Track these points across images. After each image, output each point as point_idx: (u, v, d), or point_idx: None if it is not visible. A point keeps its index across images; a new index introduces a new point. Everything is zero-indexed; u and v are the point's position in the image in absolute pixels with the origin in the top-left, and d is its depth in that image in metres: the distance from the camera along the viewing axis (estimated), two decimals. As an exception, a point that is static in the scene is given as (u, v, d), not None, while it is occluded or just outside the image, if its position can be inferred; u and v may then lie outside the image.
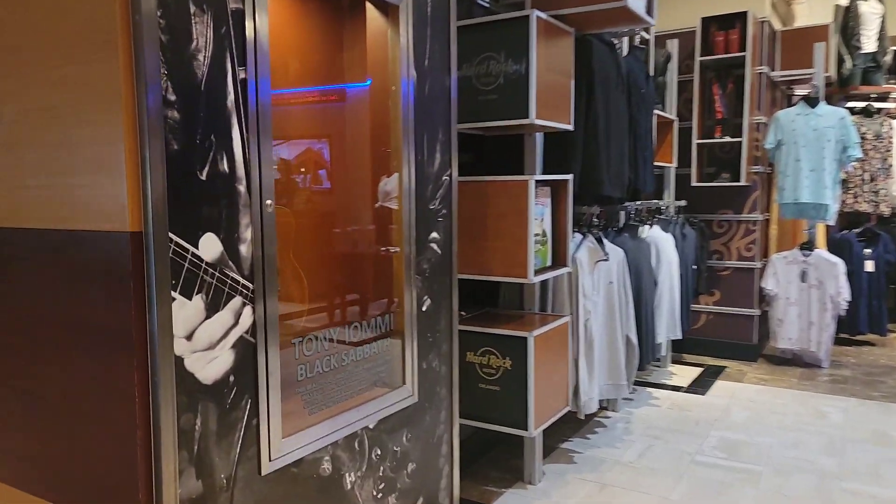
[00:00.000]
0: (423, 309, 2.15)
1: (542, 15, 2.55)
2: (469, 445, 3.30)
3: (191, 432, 1.40)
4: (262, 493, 1.58)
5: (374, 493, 1.96)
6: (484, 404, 2.72)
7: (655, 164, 4.20)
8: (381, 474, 1.98)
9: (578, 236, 3.24)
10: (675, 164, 4.65)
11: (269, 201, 1.56)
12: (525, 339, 2.60)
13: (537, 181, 2.60)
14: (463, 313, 3.02)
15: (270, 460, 1.59)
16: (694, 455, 3.35)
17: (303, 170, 2.12)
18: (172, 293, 1.34)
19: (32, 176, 1.47)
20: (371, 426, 1.94)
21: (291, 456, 1.65)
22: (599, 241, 3.31)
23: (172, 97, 1.33)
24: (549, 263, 2.86)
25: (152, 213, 1.30)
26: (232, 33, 1.45)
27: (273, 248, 1.57)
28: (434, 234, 2.19)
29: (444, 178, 2.23)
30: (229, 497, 1.49)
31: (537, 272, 2.67)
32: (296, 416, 1.69)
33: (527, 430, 2.63)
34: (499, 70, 2.59)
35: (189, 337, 1.38)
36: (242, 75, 1.48)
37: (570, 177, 2.84)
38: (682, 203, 4.77)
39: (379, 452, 1.97)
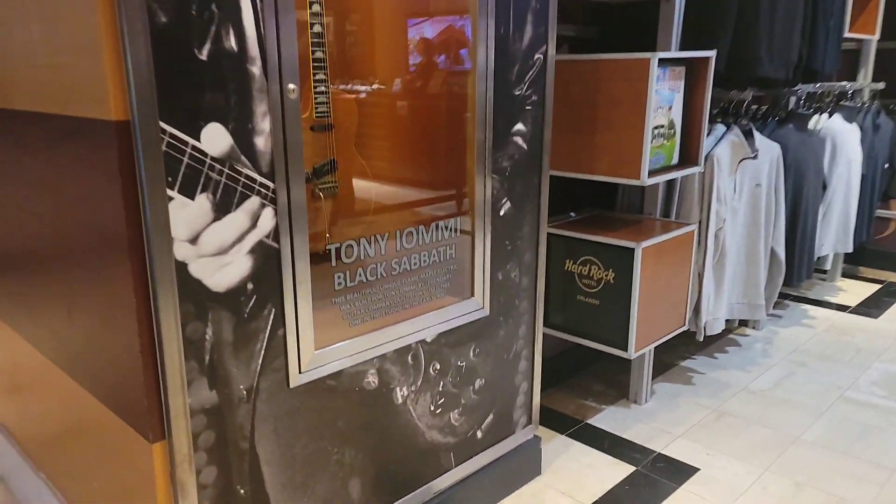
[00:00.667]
0: (501, 213, 1.88)
1: None
2: (570, 356, 3.08)
3: (200, 342, 1.30)
4: (291, 405, 1.48)
5: (432, 408, 1.83)
6: (581, 318, 2.45)
7: (848, 35, 3.39)
8: (440, 389, 1.83)
9: (721, 128, 2.72)
10: (877, 36, 3.74)
11: (291, 85, 1.34)
12: (631, 249, 2.25)
13: (664, 59, 2.13)
14: (572, 214, 2.70)
15: (301, 372, 1.48)
16: (845, 390, 2.88)
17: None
18: (169, 192, 1.19)
19: (30, 55, 1.36)
20: (428, 339, 1.76)
21: (326, 368, 1.53)
22: (748, 134, 2.76)
23: (156, -43, 1.11)
24: (674, 161, 2.42)
25: (136, 99, 1.13)
26: None
27: (298, 141, 1.37)
28: (519, 126, 1.87)
29: (538, 56, 1.86)
30: (251, 409, 1.41)
31: (656, 172, 2.27)
32: (333, 328, 1.55)
33: (626, 350, 2.34)
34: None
35: (193, 241, 1.25)
36: (253, -72, 1.22)
37: (710, 53, 2.31)
38: (880, 86, 3.88)
39: (438, 367, 1.81)
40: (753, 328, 3.48)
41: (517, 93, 1.84)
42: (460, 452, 1.95)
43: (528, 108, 1.88)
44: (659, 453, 2.38)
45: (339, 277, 1.55)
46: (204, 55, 1.20)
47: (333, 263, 1.54)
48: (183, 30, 1.17)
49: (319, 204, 1.70)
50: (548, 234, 2.42)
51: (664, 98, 2.26)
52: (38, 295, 1.67)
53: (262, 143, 1.31)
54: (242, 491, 1.43)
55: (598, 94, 2.21)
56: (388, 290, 1.67)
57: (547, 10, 1.85)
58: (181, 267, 1.24)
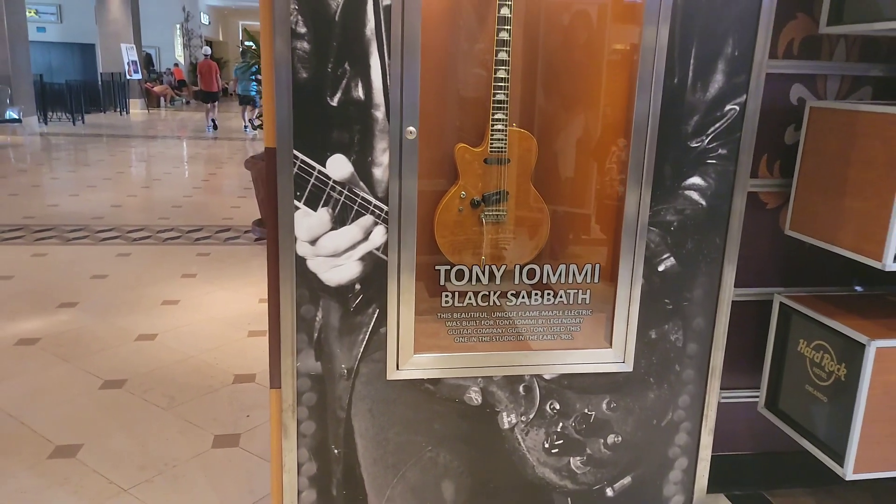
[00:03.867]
0: (660, 269, 1.77)
1: None
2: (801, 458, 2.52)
3: (311, 321, 1.66)
4: (387, 395, 1.74)
5: (546, 445, 1.85)
6: (806, 413, 2.04)
7: None
8: (557, 430, 1.84)
9: None
10: None
11: (410, 128, 1.58)
12: (863, 345, 1.80)
13: (936, 117, 1.65)
14: (858, 288, 2.23)
15: (398, 369, 1.72)
16: None
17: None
18: (296, 202, 1.58)
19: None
20: (546, 376, 1.80)
21: (424, 373, 1.73)
22: None
23: (302, 29, 1.49)
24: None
25: (277, 132, 1.53)
26: (375, -39, 1.48)
27: (412, 174, 1.61)
28: (694, 180, 1.72)
29: (730, 108, 1.68)
30: (350, 386, 1.72)
31: (913, 257, 1.76)
32: (436, 338, 1.74)
33: (842, 466, 1.88)
34: (909, -61, 1.67)
35: (313, 242, 1.61)
36: (387, 2, 1.50)
37: None
38: None
39: (557, 407, 1.82)
40: None
41: (694, 145, 1.70)
42: (581, 501, 1.91)
43: (710, 161, 1.71)
44: None
45: (446, 296, 1.74)
46: (334, 102, 1.54)
47: (442, 283, 1.73)
48: (319, 83, 1.53)
49: (481, 228, 1.90)
50: (783, 304, 2.11)
51: (959, 163, 1.73)
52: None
53: (379, 173, 1.60)
54: (336, 451, 1.76)
55: (852, 151, 1.82)
56: (500, 319, 1.77)
57: (750, 60, 1.65)
58: (300, 260, 1.62)
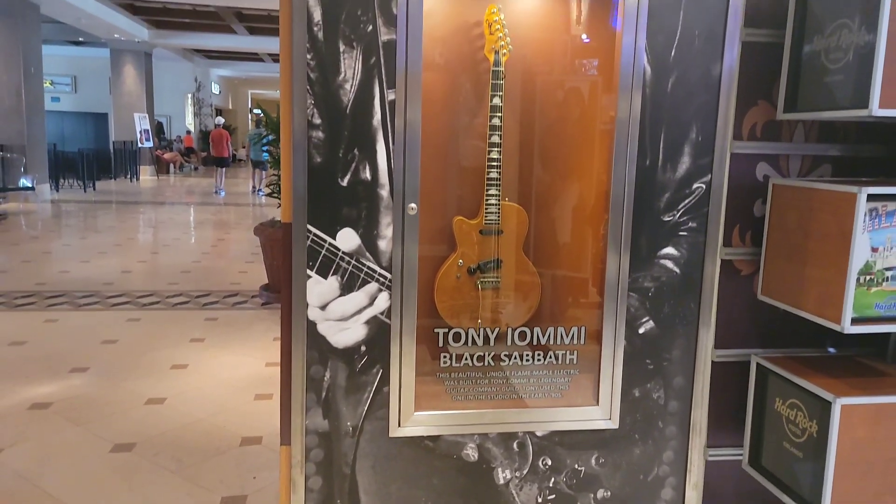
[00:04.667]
0: (641, 331, 1.93)
1: (911, -45, 1.74)
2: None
3: (320, 381, 1.81)
4: (389, 451, 1.87)
5: (539, 500, 1.96)
6: (784, 469, 2.16)
7: None
8: (550, 485, 1.96)
9: None
10: None
11: (412, 205, 1.78)
12: (829, 403, 1.94)
13: (882, 195, 1.84)
14: (831, 350, 2.38)
15: (400, 426, 1.86)
16: None
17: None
18: (308, 272, 1.76)
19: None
20: (538, 433, 1.93)
21: (424, 430, 1.87)
22: None
23: (318, 121, 1.71)
24: (930, 312, 1.97)
25: (294, 209, 1.73)
26: (382, 62, 1.71)
27: (414, 246, 1.79)
28: (668, 250, 1.90)
29: (697, 185, 1.88)
30: (354, 443, 1.85)
31: (870, 321, 1.92)
32: (435, 397, 1.88)
33: (819, 522, 1.99)
34: (850, 42, 1.90)
35: (323, 307, 1.78)
36: (392, 97, 1.72)
37: None
38: None
39: (549, 463, 1.95)
40: None
41: (667, 219, 1.89)
42: (573, 555, 2.01)
43: (682, 233, 1.90)
44: None
45: (444, 357, 1.89)
46: (344, 182, 1.74)
47: (440, 345, 1.89)
48: (331, 166, 1.73)
49: (477, 294, 2.08)
50: (759, 365, 2.25)
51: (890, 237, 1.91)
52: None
53: (384, 244, 1.78)
54: (341, 504, 1.88)
55: (810, 224, 2.01)
56: (494, 378, 1.92)
57: (713, 144, 1.86)
58: (311, 325, 1.78)
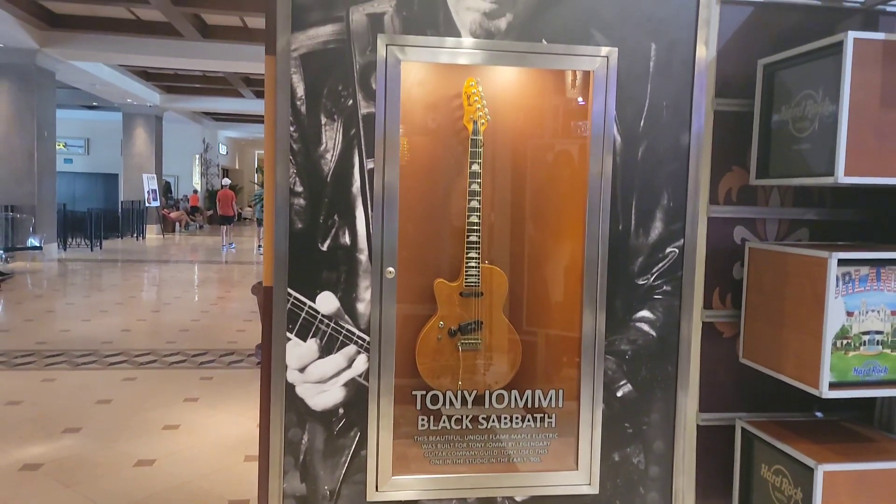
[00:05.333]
0: (619, 394, 1.94)
1: (866, 35, 1.83)
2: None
3: (297, 444, 1.82)
4: (367, 515, 1.86)
5: (519, 568, 1.93)
6: (772, 536, 2.12)
7: None
8: (530, 551, 1.93)
9: None
10: None
11: (390, 269, 1.82)
12: (811, 469, 1.92)
13: (854, 260, 1.88)
14: (818, 414, 2.37)
15: (377, 490, 1.85)
16: None
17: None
18: (288, 334, 1.79)
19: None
20: (518, 499, 1.91)
21: (402, 494, 1.86)
22: None
23: (299, 189, 1.77)
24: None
25: (275, 273, 1.78)
26: (362, 133, 1.78)
27: (392, 308, 1.82)
28: (644, 313, 1.93)
29: (670, 250, 1.93)
30: (332, 506, 1.84)
31: (849, 385, 1.92)
32: (415, 461, 1.88)
33: (807, 592, 1.94)
34: (815, 112, 1.97)
35: (302, 370, 1.80)
36: (371, 165, 1.79)
37: (963, 253, 1.90)
38: None
39: (529, 528, 1.93)
40: None
41: (641, 282, 1.92)
42: None
43: (657, 297, 1.93)
44: None
45: (422, 420, 1.90)
46: (324, 247, 1.80)
47: (418, 407, 1.90)
48: (312, 232, 1.79)
49: (458, 355, 2.10)
50: (744, 430, 2.24)
51: (882, 300, 1.94)
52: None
53: (363, 307, 1.82)
54: (318, 570, 1.85)
55: (786, 288, 2.04)
56: (473, 442, 1.92)
57: (684, 210, 1.91)
58: (290, 387, 1.80)
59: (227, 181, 18.03)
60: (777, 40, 2.23)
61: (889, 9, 2.29)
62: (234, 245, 16.31)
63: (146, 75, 15.85)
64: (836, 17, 2.28)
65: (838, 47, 1.87)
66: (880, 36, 1.86)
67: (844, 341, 1.95)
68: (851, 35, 1.84)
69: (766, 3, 2.22)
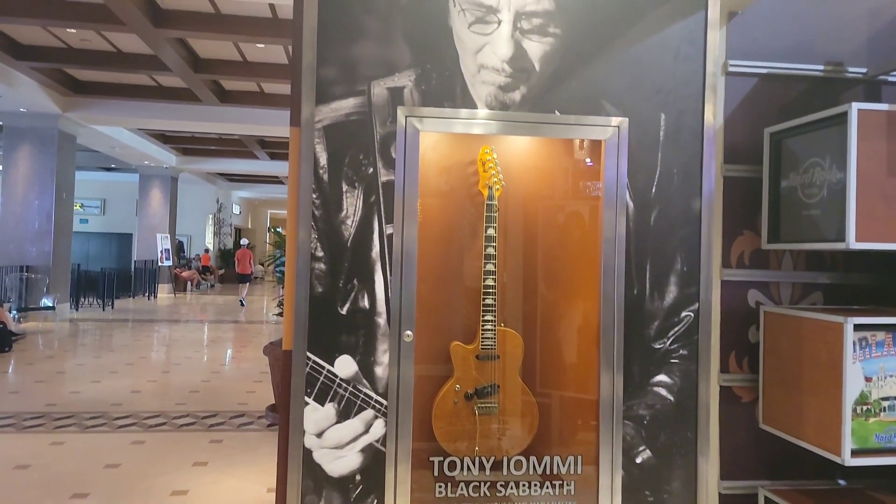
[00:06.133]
0: (638, 461, 1.91)
1: (870, 106, 1.89)
2: None
3: (314, 510, 1.80)
4: (383, 585, 1.82)
5: None
6: None
7: None
8: None
9: None
10: None
11: (408, 332, 1.84)
12: (837, 539, 1.88)
13: (870, 325, 1.88)
14: (841, 482, 2.32)
15: (394, 559, 1.82)
16: None
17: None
18: (306, 398, 1.80)
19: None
20: (537, 569, 1.87)
21: (419, 563, 1.83)
22: None
23: (320, 254, 1.82)
24: (933, 442, 1.95)
25: (294, 337, 1.80)
26: (382, 200, 1.84)
27: (409, 372, 1.84)
28: (662, 378, 1.93)
29: (686, 314, 1.94)
30: (347, 575, 1.81)
31: (871, 452, 1.90)
32: (431, 529, 1.85)
33: None
34: (823, 179, 2.02)
35: (319, 435, 1.80)
36: (390, 231, 1.84)
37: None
38: None
39: None
40: None
41: (658, 346, 1.93)
42: None
43: (673, 361, 1.93)
44: None
45: (440, 487, 1.88)
46: (344, 311, 1.82)
47: (435, 474, 1.88)
48: (331, 295, 1.82)
49: (475, 419, 2.09)
50: (767, 499, 2.20)
51: (890, 366, 1.93)
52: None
53: (380, 371, 1.83)
54: None
55: (802, 352, 2.04)
56: (491, 509, 1.89)
57: (698, 274, 1.94)
58: (307, 452, 1.80)
59: (245, 241, 18.48)
60: (782, 109, 2.30)
61: (891, 79, 2.36)
62: (243, 303, 16.43)
63: (164, 138, 16.27)
64: (839, 87, 2.36)
65: (843, 117, 1.93)
66: (883, 107, 1.92)
67: (864, 407, 1.93)
68: (855, 106, 1.90)
69: (770, 75, 2.30)
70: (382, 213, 1.84)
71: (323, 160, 1.81)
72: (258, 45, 7.92)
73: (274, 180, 23.38)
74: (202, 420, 6.03)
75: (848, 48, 2.37)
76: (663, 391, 1.93)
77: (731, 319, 2.29)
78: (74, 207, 14.45)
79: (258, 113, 11.62)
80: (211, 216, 25.32)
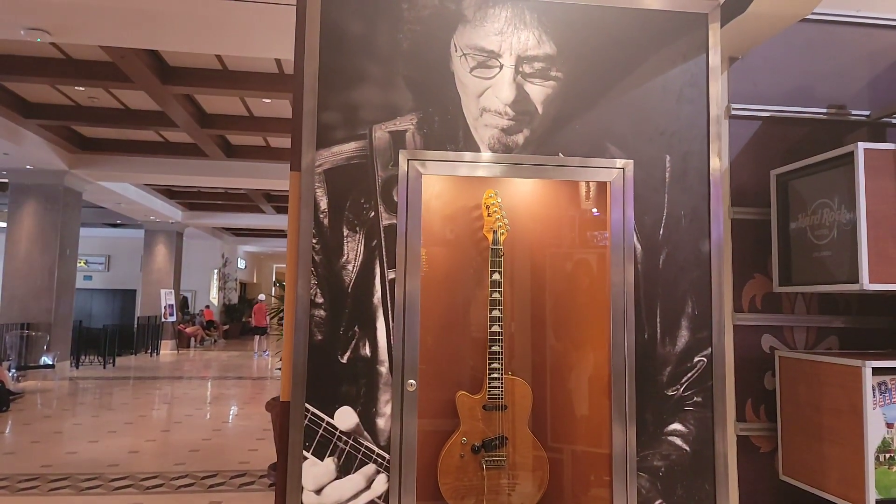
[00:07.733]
0: (654, 515, 1.81)
1: (876, 146, 1.86)
2: None
3: (312, 572, 1.70)
4: None
5: None
6: None
7: None
8: None
9: None
10: None
11: (411, 381, 1.77)
12: None
13: (888, 369, 1.81)
14: None
15: None
16: None
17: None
18: (305, 453, 1.72)
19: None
20: None
21: None
22: None
23: (320, 300, 1.77)
24: (969, 492, 1.85)
25: (293, 388, 1.73)
26: (383, 244, 1.80)
27: (413, 423, 1.76)
28: (676, 426, 1.85)
29: (699, 359, 1.87)
30: None
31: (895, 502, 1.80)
32: (437, 592, 1.74)
33: None
34: (833, 220, 1.98)
35: (318, 492, 1.72)
36: (392, 276, 1.79)
37: None
38: None
39: None
40: None
41: (671, 393, 1.85)
42: None
43: (688, 408, 1.86)
44: None
45: (445, 546, 1.78)
46: (344, 360, 1.76)
47: (440, 532, 1.78)
48: (331, 344, 1.76)
49: (482, 474, 2.00)
50: (791, 555, 2.08)
51: (923, 409, 1.85)
52: None
53: (382, 423, 1.76)
54: None
55: (821, 399, 1.96)
56: (499, 571, 1.78)
57: (709, 317, 1.88)
58: (306, 510, 1.71)
59: (261, 296, 19.08)
60: (787, 151, 2.29)
61: (895, 120, 2.36)
62: (267, 352, 16.98)
63: (170, 193, 16.42)
64: (843, 129, 2.35)
65: (849, 157, 1.90)
66: (889, 146, 1.90)
67: (887, 455, 1.84)
68: (861, 146, 1.88)
69: (773, 118, 2.29)
70: (384, 258, 1.80)
71: (323, 204, 1.78)
72: (264, 100, 8.05)
73: (279, 234, 23.51)
74: (201, 481, 5.86)
75: (849, 91, 2.38)
76: (678, 440, 1.84)
77: (746, 366, 2.22)
78: (78, 264, 14.47)
79: (264, 167, 11.74)
80: (216, 271, 25.36)
